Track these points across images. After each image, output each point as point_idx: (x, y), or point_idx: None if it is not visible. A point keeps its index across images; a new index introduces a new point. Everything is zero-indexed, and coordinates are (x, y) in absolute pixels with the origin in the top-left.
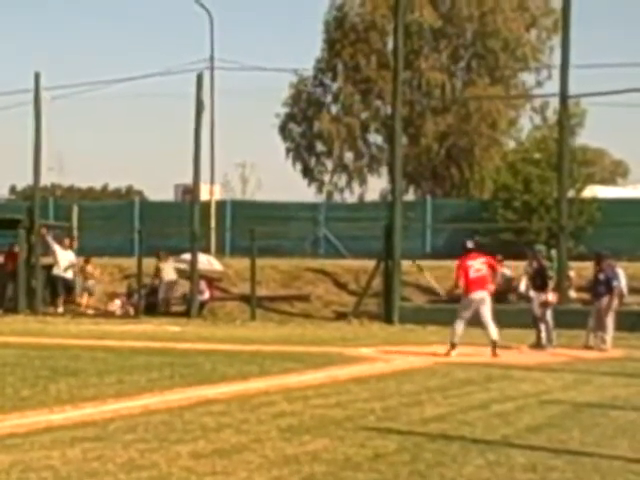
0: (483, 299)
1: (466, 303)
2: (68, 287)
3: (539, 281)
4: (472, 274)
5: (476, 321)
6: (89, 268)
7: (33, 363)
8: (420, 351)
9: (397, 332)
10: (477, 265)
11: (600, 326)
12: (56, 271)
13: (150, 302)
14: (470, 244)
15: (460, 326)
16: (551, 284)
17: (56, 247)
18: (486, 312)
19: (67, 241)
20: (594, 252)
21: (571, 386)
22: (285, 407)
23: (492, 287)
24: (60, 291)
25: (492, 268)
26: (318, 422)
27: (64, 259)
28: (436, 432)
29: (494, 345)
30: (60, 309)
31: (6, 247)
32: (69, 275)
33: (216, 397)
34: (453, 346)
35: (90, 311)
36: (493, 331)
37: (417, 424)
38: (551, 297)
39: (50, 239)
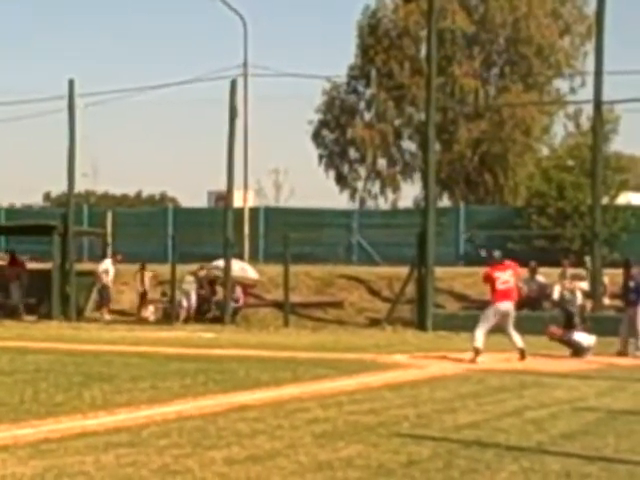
0: (508, 311)
1: (491, 312)
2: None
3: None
4: (499, 285)
5: (498, 328)
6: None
7: (67, 369)
8: (452, 357)
9: (430, 339)
10: (505, 277)
11: (633, 333)
12: (106, 280)
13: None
14: (498, 254)
15: (481, 333)
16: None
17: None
18: (509, 323)
19: (119, 257)
20: (623, 259)
21: (605, 393)
22: (319, 413)
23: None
24: (106, 299)
25: (516, 275)
26: (352, 428)
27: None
28: (470, 439)
29: (522, 352)
30: (107, 317)
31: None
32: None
33: (250, 403)
34: (477, 352)
35: (152, 317)
36: (518, 339)
37: (451, 431)
38: None
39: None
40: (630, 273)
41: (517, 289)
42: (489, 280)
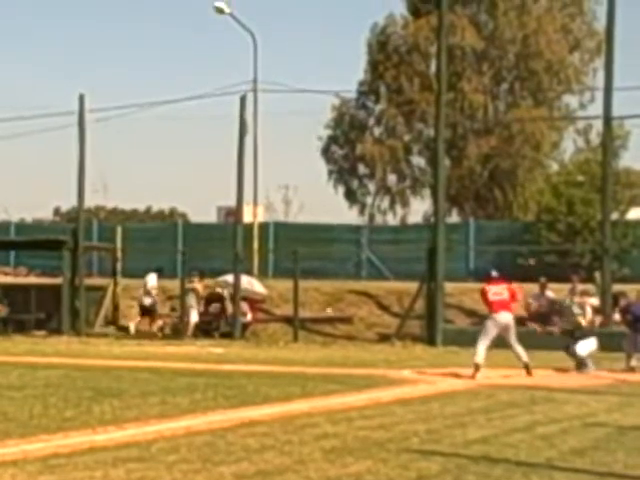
0: (508, 323)
1: (490, 324)
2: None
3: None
4: (491, 297)
5: (504, 343)
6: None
7: (76, 384)
8: (457, 373)
9: (440, 354)
10: (496, 289)
11: (636, 349)
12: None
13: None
14: (494, 273)
15: (482, 348)
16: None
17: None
18: (512, 336)
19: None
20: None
21: (615, 409)
22: (328, 429)
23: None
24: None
25: (512, 296)
26: (361, 444)
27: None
28: (479, 454)
29: (527, 367)
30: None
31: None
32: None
33: (259, 418)
34: (477, 368)
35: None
36: (523, 354)
37: (460, 446)
38: None
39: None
40: (621, 307)
41: (513, 302)
42: (482, 295)
